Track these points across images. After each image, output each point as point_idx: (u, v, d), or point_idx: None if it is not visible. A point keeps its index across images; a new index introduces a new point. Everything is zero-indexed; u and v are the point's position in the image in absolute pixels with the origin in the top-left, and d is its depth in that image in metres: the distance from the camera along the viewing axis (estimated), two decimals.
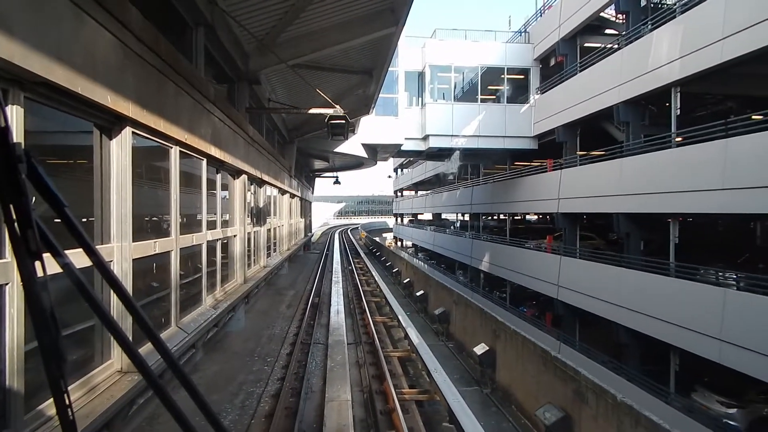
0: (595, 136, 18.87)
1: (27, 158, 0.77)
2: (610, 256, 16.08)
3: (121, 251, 4.93)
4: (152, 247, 5.80)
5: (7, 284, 3.34)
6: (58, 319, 0.81)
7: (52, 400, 2.92)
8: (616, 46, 17.77)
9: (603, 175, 16.72)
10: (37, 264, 0.79)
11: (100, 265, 0.90)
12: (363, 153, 23.02)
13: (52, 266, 0.84)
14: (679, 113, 13.84)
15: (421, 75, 23.39)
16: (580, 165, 18.71)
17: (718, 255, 15.32)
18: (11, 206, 0.76)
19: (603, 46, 18.68)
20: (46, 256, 0.82)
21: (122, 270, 4.96)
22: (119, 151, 4.89)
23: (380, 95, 16.58)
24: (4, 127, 0.73)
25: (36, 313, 0.79)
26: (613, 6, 17.72)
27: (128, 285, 5.07)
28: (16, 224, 0.77)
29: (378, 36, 10.93)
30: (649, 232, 15.69)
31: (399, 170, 56.24)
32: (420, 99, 23.44)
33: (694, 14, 13.15)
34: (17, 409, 3.38)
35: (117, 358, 4.88)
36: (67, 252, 0.87)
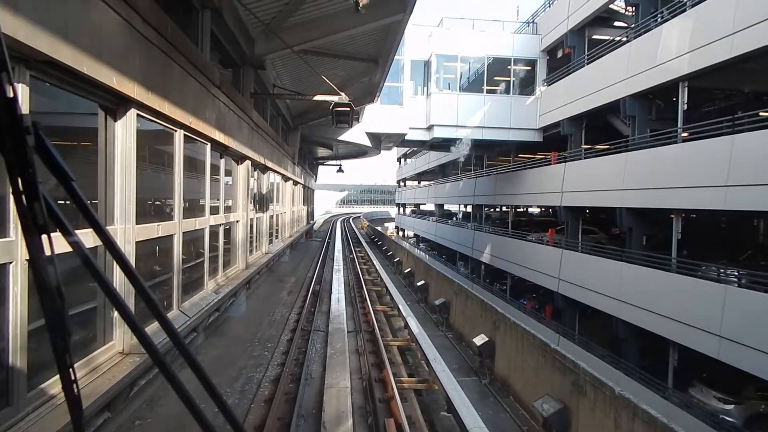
0: (600, 129, 18.78)
1: (35, 130, 0.76)
2: (612, 251, 16.06)
3: (124, 233, 4.93)
4: (155, 230, 5.81)
5: (10, 263, 3.34)
6: (65, 293, 0.81)
7: (54, 379, 2.96)
8: (624, 38, 17.61)
9: (607, 169, 16.64)
10: (44, 238, 0.78)
11: (108, 242, 0.90)
12: (367, 142, 22.94)
13: (58, 240, 0.83)
14: (686, 108, 13.75)
15: (427, 64, 23.22)
16: (585, 158, 18.63)
17: (720, 251, 15.30)
18: (18, 178, 0.75)
19: (611, 38, 18.51)
20: (55, 235, 0.81)
21: (125, 252, 4.97)
22: (124, 132, 4.88)
23: (385, 84, 16.47)
24: (12, 98, 0.72)
25: (42, 287, 0.79)
26: None
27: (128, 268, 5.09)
28: (23, 196, 0.76)
29: (385, 23, 10.82)
30: (651, 227, 15.65)
31: (402, 160, 56.11)
32: (425, 88, 23.29)
33: (705, 8, 13.00)
34: (20, 388, 3.41)
35: (119, 340, 4.91)
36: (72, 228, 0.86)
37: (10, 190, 0.76)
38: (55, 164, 0.81)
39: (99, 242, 0.90)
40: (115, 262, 0.94)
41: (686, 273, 12.71)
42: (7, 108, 0.71)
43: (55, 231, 0.82)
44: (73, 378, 0.85)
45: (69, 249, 0.86)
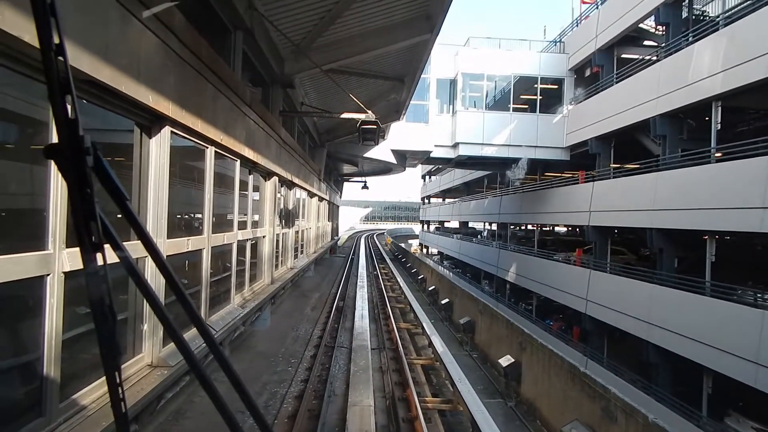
0: (629, 148, 18.49)
1: (93, 150, 0.78)
2: (642, 272, 15.67)
3: None
4: (185, 244, 5.90)
5: (48, 275, 3.42)
6: (116, 310, 0.82)
7: (84, 390, 3.00)
8: (654, 57, 17.41)
9: (637, 188, 16.33)
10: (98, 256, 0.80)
11: (157, 258, 0.92)
12: (392, 159, 23.04)
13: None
14: (719, 128, 13.43)
15: (452, 83, 23.33)
16: (614, 178, 18.33)
17: (756, 275, 14.77)
18: (77, 197, 0.77)
19: (641, 57, 18.31)
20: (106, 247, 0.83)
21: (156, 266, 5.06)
22: (158, 149, 5.00)
23: (411, 102, 16.58)
24: (74, 120, 0.74)
25: (95, 304, 0.80)
26: (652, 17, 17.38)
27: (162, 281, 5.19)
28: (81, 215, 0.78)
29: (412, 42, 10.93)
30: (683, 249, 15.24)
31: (427, 177, 56.15)
32: (451, 107, 23.38)
33: (738, 27, 12.77)
34: (53, 398, 3.47)
35: (148, 353, 4.96)
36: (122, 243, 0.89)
37: (70, 209, 0.78)
38: (111, 184, 0.83)
39: (140, 254, 0.93)
40: (158, 273, 0.96)
41: (721, 297, 12.29)
42: (70, 129, 0.74)
43: (107, 244, 0.84)
44: (121, 396, 0.86)
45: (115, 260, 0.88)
